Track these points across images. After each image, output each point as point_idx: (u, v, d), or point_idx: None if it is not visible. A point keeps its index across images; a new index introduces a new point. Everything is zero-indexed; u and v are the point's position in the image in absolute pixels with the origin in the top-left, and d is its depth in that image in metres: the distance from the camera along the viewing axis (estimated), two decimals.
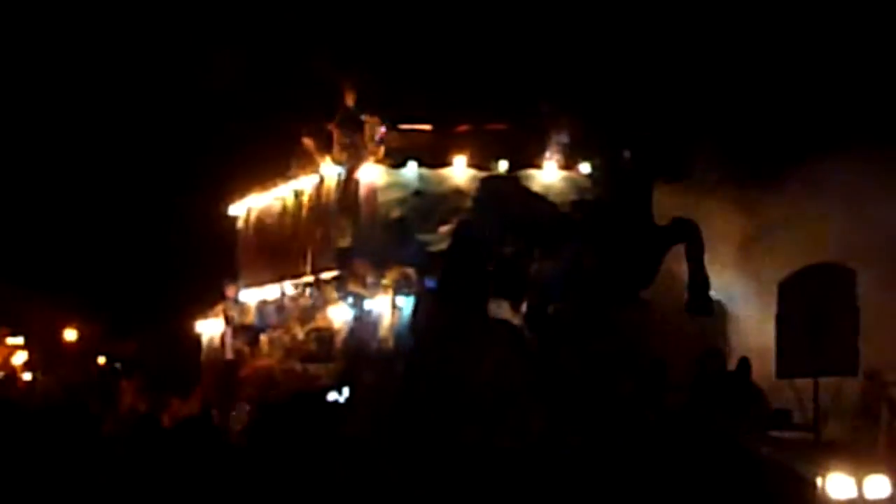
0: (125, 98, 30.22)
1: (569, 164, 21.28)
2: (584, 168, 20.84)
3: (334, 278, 21.01)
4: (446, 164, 21.26)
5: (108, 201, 33.25)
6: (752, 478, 14.83)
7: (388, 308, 19.26)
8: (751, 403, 16.52)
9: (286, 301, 23.17)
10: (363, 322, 19.96)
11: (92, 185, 32.85)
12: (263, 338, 23.25)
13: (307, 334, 21.94)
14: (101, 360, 33.87)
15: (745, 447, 15.16)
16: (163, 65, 26.88)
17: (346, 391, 19.76)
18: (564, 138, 20.70)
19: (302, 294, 22.27)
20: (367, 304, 19.80)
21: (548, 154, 21.21)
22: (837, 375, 14.98)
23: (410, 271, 19.31)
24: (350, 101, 21.92)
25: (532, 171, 21.10)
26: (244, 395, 22.46)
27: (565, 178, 21.22)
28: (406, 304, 18.93)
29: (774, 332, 15.29)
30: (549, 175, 21.18)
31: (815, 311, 14.78)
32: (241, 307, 24.42)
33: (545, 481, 16.59)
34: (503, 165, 21.05)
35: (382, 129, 21.21)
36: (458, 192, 20.92)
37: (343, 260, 21.04)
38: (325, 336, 21.22)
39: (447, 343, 18.23)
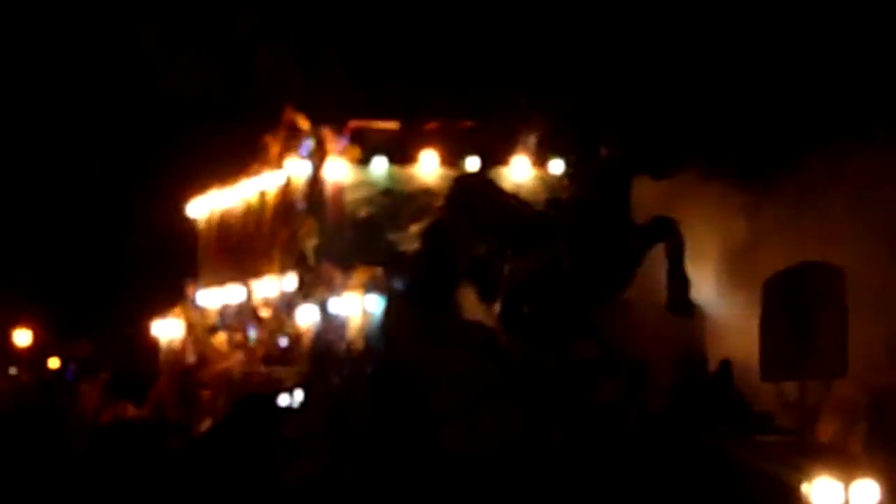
0: (81, 95, 29.54)
1: (540, 161, 20.90)
2: (556, 166, 20.53)
3: (299, 281, 20.49)
4: (415, 161, 20.78)
5: (62, 200, 32.51)
6: (734, 484, 14.47)
7: (358, 310, 18.73)
8: (732, 407, 16.12)
9: (249, 303, 22.72)
10: (330, 324, 19.42)
11: (46, 183, 32.12)
12: (223, 339, 22.76)
13: (270, 336, 21.50)
14: (55, 361, 33.11)
15: (728, 452, 14.80)
16: (122, 63, 26.27)
17: (298, 394, 19.29)
18: (536, 136, 20.28)
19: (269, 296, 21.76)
20: (334, 306, 19.27)
21: (518, 152, 20.79)
22: (825, 378, 14.58)
23: (379, 272, 18.79)
24: (303, 124, 21.45)
25: (502, 169, 20.64)
26: (204, 400, 22.01)
27: (536, 177, 20.83)
28: (376, 305, 18.41)
29: (759, 334, 14.86)
30: (519, 173, 20.75)
31: (801, 311, 14.38)
32: (202, 309, 23.95)
33: (522, 487, 16.22)
34: (473, 163, 20.60)
35: (342, 141, 20.71)
36: (427, 191, 20.48)
37: (306, 263, 20.56)
38: (290, 338, 20.79)
39: (418, 345, 17.78)
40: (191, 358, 22.62)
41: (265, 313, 22.14)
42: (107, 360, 28.18)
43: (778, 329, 14.55)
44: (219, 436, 19.65)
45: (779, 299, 14.63)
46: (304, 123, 21.50)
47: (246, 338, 22.36)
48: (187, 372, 23.08)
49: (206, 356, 22.86)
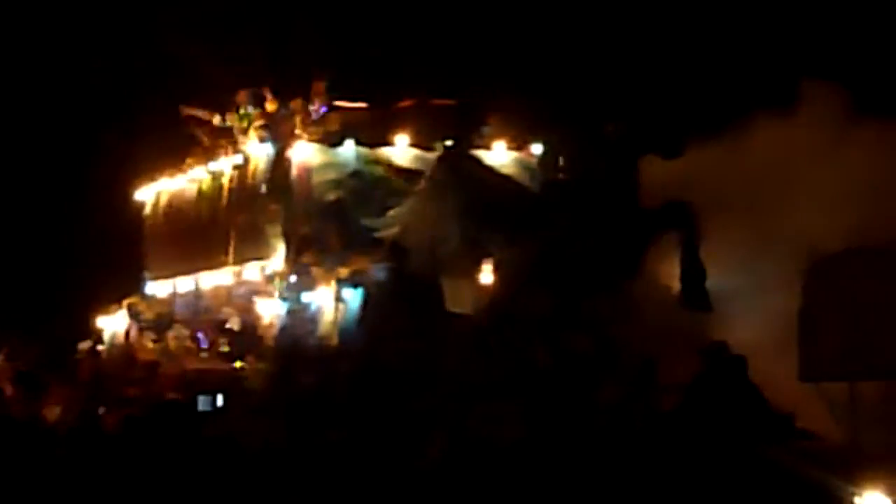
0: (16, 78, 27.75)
1: (520, 144, 19.62)
2: (536, 149, 19.32)
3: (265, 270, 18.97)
4: (387, 142, 19.43)
5: None
6: (775, 493, 13.09)
7: (331, 301, 17.21)
8: (752, 408, 14.72)
9: (202, 293, 21.19)
10: (298, 317, 17.89)
11: None
12: (171, 334, 21.18)
13: (226, 330, 19.99)
14: None
15: (764, 458, 13.44)
16: (63, 39, 24.74)
17: (220, 398, 17.83)
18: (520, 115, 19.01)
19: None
20: (304, 298, 17.74)
21: (498, 133, 19.49)
22: (879, 379, 13.18)
23: (356, 261, 17.32)
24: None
25: (480, 152, 19.26)
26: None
27: (516, 160, 19.54)
28: (353, 296, 16.89)
29: (798, 327, 13.45)
30: (498, 156, 19.41)
31: (851, 303, 12.98)
32: (149, 300, 22.39)
33: (519, 496, 14.89)
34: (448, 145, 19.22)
35: (322, 108, 19.28)
36: (399, 173, 19.08)
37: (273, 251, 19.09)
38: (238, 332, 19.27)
39: (402, 341, 16.35)
40: (143, 355, 20.93)
41: (217, 305, 20.65)
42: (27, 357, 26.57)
43: (821, 323, 13.14)
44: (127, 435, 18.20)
45: (823, 288, 13.22)
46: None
47: (197, 333, 20.76)
48: (123, 366, 21.56)
49: (149, 351, 21.28)
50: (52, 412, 21.26)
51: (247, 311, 19.58)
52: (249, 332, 19.38)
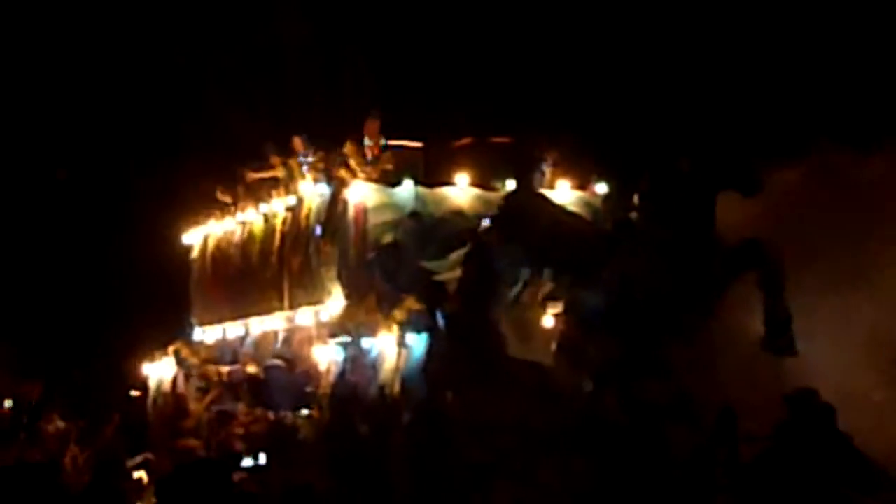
0: (55, 104, 27.25)
1: (583, 183, 18.90)
2: (601, 188, 18.60)
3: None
4: (446, 182, 18.76)
5: (32, 226, 30.05)
6: None
7: (393, 347, 16.44)
8: (842, 458, 13.85)
9: (253, 339, 20.51)
10: (357, 364, 17.14)
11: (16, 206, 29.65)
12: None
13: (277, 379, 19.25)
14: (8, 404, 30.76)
15: None
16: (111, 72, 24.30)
17: (262, 457, 17.41)
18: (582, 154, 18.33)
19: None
20: (364, 344, 16.99)
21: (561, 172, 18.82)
22: None
23: (417, 305, 16.53)
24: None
25: (544, 191, 18.52)
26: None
27: (580, 199, 18.82)
28: (416, 342, 16.12)
29: None
30: (561, 195, 18.68)
31: None
32: (195, 347, 21.74)
33: None
34: (510, 184, 18.51)
35: (378, 147, 18.65)
36: (459, 214, 18.35)
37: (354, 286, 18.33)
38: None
39: (466, 388, 15.55)
40: (192, 405, 20.25)
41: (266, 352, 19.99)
42: (58, 403, 26.15)
43: None
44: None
45: None
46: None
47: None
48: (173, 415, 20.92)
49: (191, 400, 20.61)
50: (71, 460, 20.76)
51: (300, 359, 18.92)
52: (287, 381, 18.73)
